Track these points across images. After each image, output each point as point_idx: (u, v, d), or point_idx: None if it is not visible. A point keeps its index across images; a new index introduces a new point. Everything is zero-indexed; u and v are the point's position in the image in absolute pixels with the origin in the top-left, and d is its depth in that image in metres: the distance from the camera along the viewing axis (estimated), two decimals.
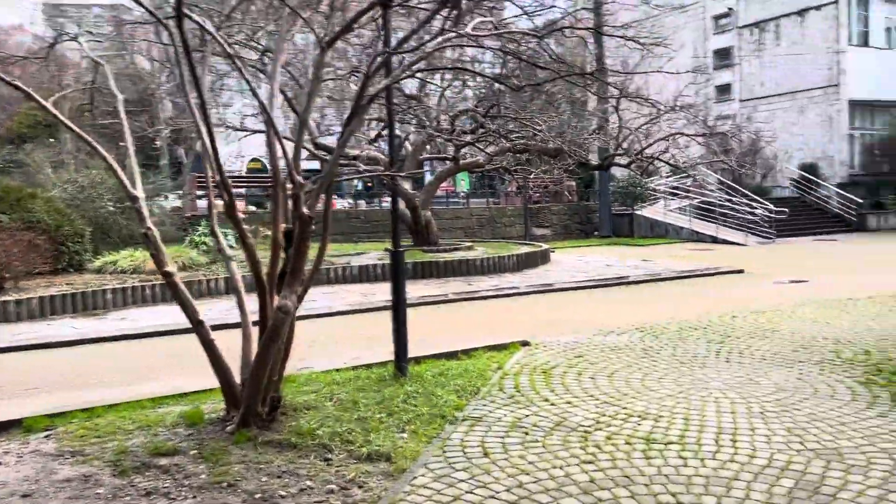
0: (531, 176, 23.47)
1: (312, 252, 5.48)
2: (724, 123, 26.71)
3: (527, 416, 5.62)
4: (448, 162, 18.00)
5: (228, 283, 12.39)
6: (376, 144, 15.06)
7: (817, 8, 31.82)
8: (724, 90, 36.64)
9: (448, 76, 16.65)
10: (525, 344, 8.17)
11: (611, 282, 13.75)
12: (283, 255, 5.50)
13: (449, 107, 16.08)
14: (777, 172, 34.10)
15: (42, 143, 23.03)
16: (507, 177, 26.16)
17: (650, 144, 15.55)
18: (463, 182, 52.09)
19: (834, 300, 10.98)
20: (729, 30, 38.12)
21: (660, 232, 26.46)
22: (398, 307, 6.76)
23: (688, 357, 7.51)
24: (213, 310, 10.65)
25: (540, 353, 7.73)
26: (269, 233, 15.90)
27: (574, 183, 29.22)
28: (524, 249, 17.41)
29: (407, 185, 18.02)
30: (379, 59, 5.04)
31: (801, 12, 32.51)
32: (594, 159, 18.37)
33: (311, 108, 5.04)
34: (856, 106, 31.53)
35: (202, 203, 25.71)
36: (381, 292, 12.22)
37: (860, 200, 29.16)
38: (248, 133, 18.98)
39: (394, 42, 6.53)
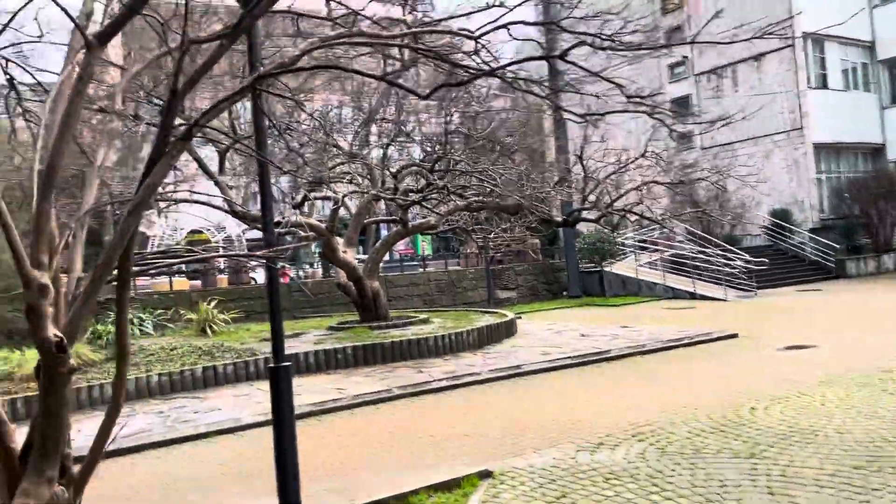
0: (491, 235, 21.58)
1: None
2: (691, 171, 25.28)
3: None
4: (397, 224, 15.91)
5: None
6: (303, 209, 12.91)
7: (774, 52, 31.14)
8: (684, 138, 35.63)
9: (389, 126, 14.69)
10: (486, 475, 5.88)
11: (589, 358, 11.59)
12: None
13: (390, 162, 14.07)
14: (746, 221, 32.84)
15: None
16: (466, 237, 24.22)
17: (620, 196, 13.69)
18: (425, 244, 49.94)
19: (864, 375, 8.94)
20: (685, 78, 37.48)
21: (632, 289, 24.57)
22: (283, 457, 4.45)
23: (714, 488, 5.31)
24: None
25: (506, 494, 5.45)
26: (193, 316, 13.44)
27: (538, 240, 27.35)
28: (487, 320, 15.21)
29: (351, 253, 15.84)
30: (179, 75, 2.90)
31: (758, 57, 31.80)
32: (557, 215, 16.46)
33: (61, 152, 2.85)
34: (821, 149, 30.58)
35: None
36: (310, 391, 9.86)
37: (836, 246, 27.81)
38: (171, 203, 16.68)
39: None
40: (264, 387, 10.37)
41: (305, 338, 14.16)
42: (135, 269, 3.34)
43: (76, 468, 3.10)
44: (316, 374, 11.32)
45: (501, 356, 12.09)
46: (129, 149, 12.79)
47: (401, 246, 47.43)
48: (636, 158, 13.70)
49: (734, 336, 13.37)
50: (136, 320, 16.05)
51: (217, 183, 12.38)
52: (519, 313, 19.64)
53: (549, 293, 25.97)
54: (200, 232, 37.96)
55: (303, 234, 12.78)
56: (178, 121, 3.47)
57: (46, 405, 2.78)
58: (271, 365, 4.67)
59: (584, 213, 14.64)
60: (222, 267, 22.00)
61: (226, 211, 12.80)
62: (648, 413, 7.78)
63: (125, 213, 2.93)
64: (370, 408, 9.07)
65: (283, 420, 4.56)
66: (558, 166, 16.16)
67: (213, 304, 16.50)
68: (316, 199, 12.72)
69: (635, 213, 14.04)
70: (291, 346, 12.71)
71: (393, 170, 13.33)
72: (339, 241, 16.34)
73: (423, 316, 16.21)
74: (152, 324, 16.49)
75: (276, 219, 11.93)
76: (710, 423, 7.19)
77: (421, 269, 24.97)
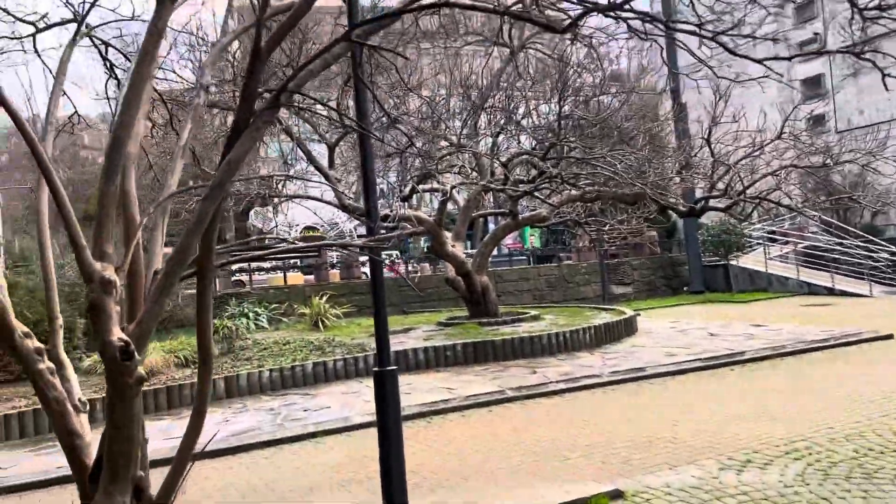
0: (605, 227, 20.56)
1: None
2: (836, 155, 23.10)
3: None
4: (506, 217, 15.30)
5: (223, 386, 9.90)
6: (411, 202, 12.48)
7: None
8: (816, 122, 32.89)
9: (498, 114, 14.04)
10: (616, 495, 5.19)
11: (722, 360, 10.53)
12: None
13: (499, 152, 13.43)
14: (891, 209, 29.89)
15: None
16: (578, 230, 23.28)
17: (754, 182, 12.42)
18: (533, 238, 48.73)
19: None
20: (816, 57, 34.64)
21: (761, 284, 22.77)
22: (389, 466, 3.98)
23: None
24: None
25: None
26: (306, 310, 13.46)
27: (655, 233, 25.93)
28: (603, 318, 14.33)
29: (460, 247, 15.41)
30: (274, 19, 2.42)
31: None
32: (680, 204, 15.28)
33: (129, 124, 2.45)
34: None
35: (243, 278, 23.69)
36: (420, 389, 9.46)
37: None
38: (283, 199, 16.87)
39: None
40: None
41: (415, 333, 13.84)
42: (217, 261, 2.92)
43: (163, 473, 2.72)
44: (426, 371, 10.92)
45: (622, 356, 11.24)
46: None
47: (508, 240, 46.79)
48: (773, 140, 12.39)
49: (889, 337, 11.86)
50: (251, 314, 16.32)
51: (327, 176, 12.24)
52: (637, 310, 18.58)
53: (668, 289, 24.57)
54: (315, 228, 38.89)
55: (410, 227, 12.41)
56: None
57: (113, 418, 2.41)
58: (376, 369, 4.21)
59: (712, 202, 13.45)
60: (334, 262, 22.17)
61: (335, 205, 12.64)
62: (800, 425, 6.79)
63: (210, 194, 2.49)
64: (482, 410, 8.53)
65: (388, 428, 4.11)
66: (680, 151, 14.97)
67: (324, 298, 16.54)
68: (424, 191, 12.32)
69: (771, 201, 12.72)
70: (401, 342, 12.40)
71: (503, 159, 12.70)
72: (448, 235, 15.96)
73: (533, 312, 15.55)
74: (267, 318, 16.73)
75: (384, 212, 11.63)
76: (880, 440, 6.14)
77: (531, 264, 24.25)
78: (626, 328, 13.54)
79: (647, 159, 12.12)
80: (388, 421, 4.19)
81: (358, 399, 9.18)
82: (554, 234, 38.22)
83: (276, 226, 34.12)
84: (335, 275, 22.30)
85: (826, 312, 16.54)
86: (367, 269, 23.66)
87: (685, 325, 14.96)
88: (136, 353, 2.30)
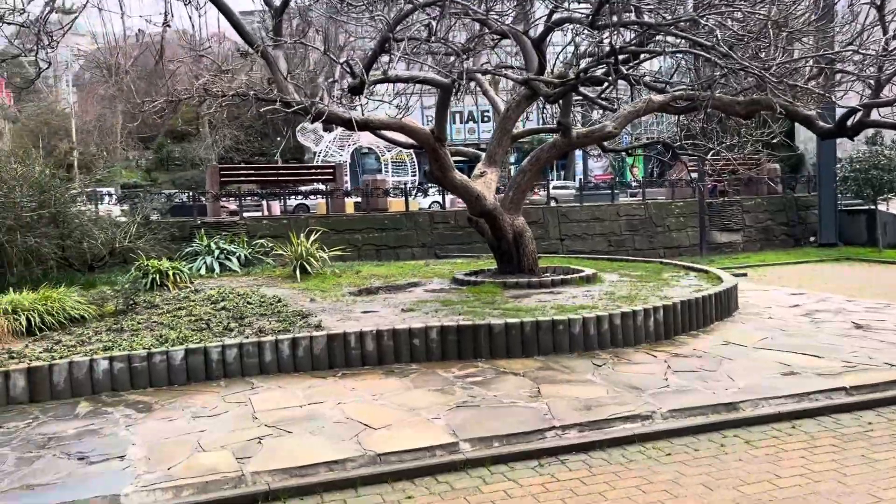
0: (708, 155, 15.41)
1: None
2: None
3: None
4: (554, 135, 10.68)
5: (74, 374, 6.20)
6: (363, 94, 7.83)
7: None
8: None
9: None
10: None
11: (886, 393, 5.81)
12: None
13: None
14: None
15: None
16: (673, 158, 18.12)
17: None
18: (635, 170, 41.51)
19: None
20: None
21: None
22: None
23: None
24: None
25: None
26: (284, 252, 9.84)
27: (777, 166, 20.28)
28: (689, 283, 9.68)
29: (493, 174, 10.98)
30: None
31: None
32: (816, 117, 10.07)
33: None
34: None
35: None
36: (324, 421, 5.38)
37: None
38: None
39: None
40: (270, 394, 6.05)
41: (409, 294, 9.74)
42: None
43: None
44: (372, 371, 6.80)
45: (701, 367, 6.65)
46: None
47: (598, 170, 41.02)
48: None
49: None
50: (216, 252, 12.68)
51: (261, 54, 8.00)
52: (743, 267, 13.65)
53: (788, 238, 19.13)
54: (369, 150, 34.98)
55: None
56: None
57: None
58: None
59: (877, 114, 8.28)
60: (349, 189, 18.20)
61: (263, 99, 8.28)
62: None
63: None
64: (395, 496, 4.35)
65: None
66: (826, 25, 9.61)
67: (314, 236, 12.61)
68: (384, 79, 7.71)
69: None
70: (363, 315, 8.32)
71: (531, 33, 7.95)
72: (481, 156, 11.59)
73: (589, 270, 10.98)
74: (244, 257, 13.06)
75: (303, 104, 7.31)
76: None
77: (608, 200, 19.34)
78: (719, 306, 8.80)
79: (774, 29, 7.08)
80: None
81: (201, 434, 5.15)
82: (662, 164, 32.18)
83: (327, 145, 30.35)
84: (350, 204, 18.16)
85: None
86: (395, 199, 19.48)
87: (814, 300, 10.02)
88: None
